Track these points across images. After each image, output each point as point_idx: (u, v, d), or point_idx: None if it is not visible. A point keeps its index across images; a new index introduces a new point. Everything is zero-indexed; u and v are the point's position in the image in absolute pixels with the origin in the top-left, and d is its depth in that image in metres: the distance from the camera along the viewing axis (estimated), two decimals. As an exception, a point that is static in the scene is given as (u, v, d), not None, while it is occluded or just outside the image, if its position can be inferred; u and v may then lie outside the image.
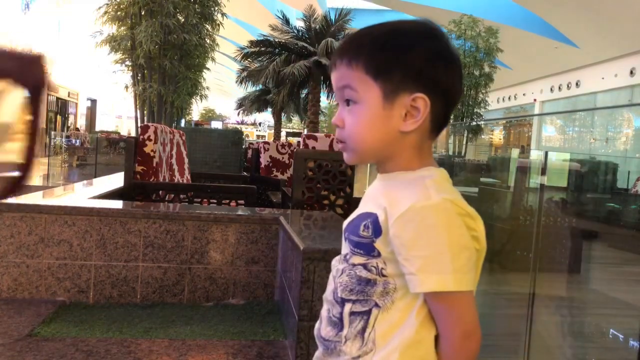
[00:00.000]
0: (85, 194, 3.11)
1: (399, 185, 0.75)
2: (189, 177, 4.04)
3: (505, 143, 21.55)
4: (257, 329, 2.11)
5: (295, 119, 26.41)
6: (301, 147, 4.15)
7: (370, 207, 0.77)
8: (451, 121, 16.17)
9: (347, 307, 0.77)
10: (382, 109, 0.73)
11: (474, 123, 15.94)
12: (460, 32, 15.53)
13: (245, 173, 6.73)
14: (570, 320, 3.59)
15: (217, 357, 1.85)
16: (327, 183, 2.90)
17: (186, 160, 4.06)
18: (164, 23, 10.92)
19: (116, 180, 3.69)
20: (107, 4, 11.69)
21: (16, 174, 0.34)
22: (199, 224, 2.46)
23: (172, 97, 11.67)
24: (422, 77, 0.73)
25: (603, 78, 15.77)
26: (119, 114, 29.31)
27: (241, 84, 17.86)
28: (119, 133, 20.40)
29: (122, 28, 11.84)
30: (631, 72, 14.69)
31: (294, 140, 17.50)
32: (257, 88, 20.29)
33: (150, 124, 3.79)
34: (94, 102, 25.64)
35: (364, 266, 0.75)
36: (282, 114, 21.48)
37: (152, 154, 3.25)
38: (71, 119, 22.66)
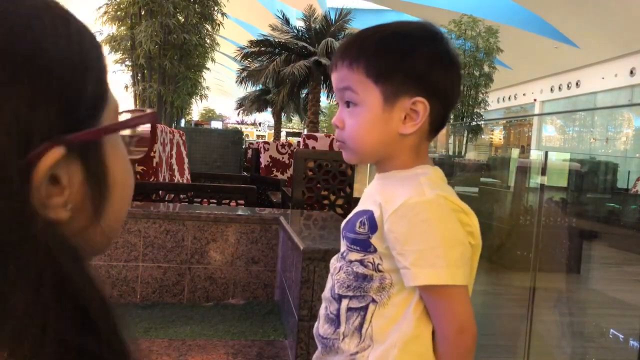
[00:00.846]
0: (85, 194, 3.10)
1: (394, 182, 0.76)
2: (189, 177, 4.04)
3: (505, 143, 21.55)
4: (257, 329, 2.11)
5: (295, 119, 26.42)
6: (301, 147, 4.15)
7: (366, 205, 0.78)
8: (451, 121, 16.20)
9: (344, 303, 0.77)
10: (382, 111, 0.74)
11: (474, 123, 15.94)
12: (460, 32, 15.53)
13: (245, 173, 6.73)
14: (570, 320, 3.59)
15: (217, 357, 1.85)
16: (327, 183, 2.90)
17: (186, 160, 4.06)
18: (164, 23, 10.92)
19: (116, 180, 3.68)
20: (107, 4, 11.68)
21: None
22: (199, 224, 2.46)
23: (172, 97, 11.67)
24: (422, 82, 0.74)
25: (603, 78, 15.77)
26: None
27: (241, 84, 17.86)
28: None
29: (122, 28, 11.83)
30: (631, 72, 14.69)
31: (294, 140, 17.52)
32: (257, 88, 20.29)
33: (150, 124, 3.78)
34: (94, 102, 25.62)
35: (361, 262, 0.76)
36: (282, 114, 21.48)
37: (152, 154, 3.25)
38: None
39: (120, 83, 12.80)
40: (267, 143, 5.74)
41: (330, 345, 0.79)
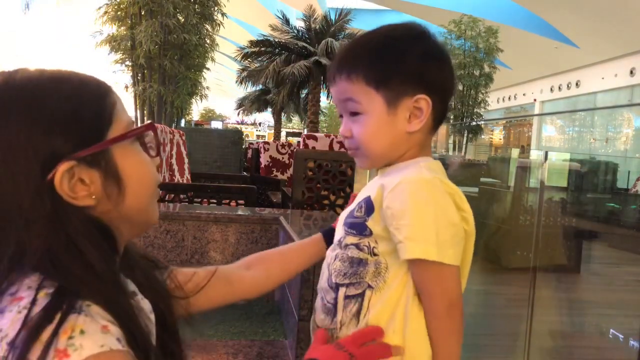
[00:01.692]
0: (85, 194, 3.10)
1: (398, 170, 0.79)
2: (189, 177, 4.04)
3: (505, 143, 21.56)
4: (257, 329, 2.11)
5: (295, 119, 26.40)
6: (301, 147, 4.15)
7: (365, 193, 0.81)
8: (451, 121, 16.18)
9: (341, 291, 0.78)
10: (387, 115, 0.76)
11: (474, 123, 15.94)
12: (460, 32, 15.52)
13: (245, 173, 6.73)
14: (570, 320, 3.59)
15: (217, 357, 1.85)
16: (327, 183, 2.90)
17: (186, 160, 4.06)
18: (164, 23, 10.90)
19: (116, 180, 3.68)
20: (107, 4, 11.67)
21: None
22: (199, 224, 2.46)
23: (172, 97, 11.65)
24: (420, 80, 0.76)
25: (603, 78, 15.76)
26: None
27: (241, 84, 17.85)
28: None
29: (122, 28, 11.81)
30: (631, 72, 14.69)
31: (294, 140, 17.51)
32: (257, 88, 20.28)
33: (150, 124, 3.78)
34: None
35: (357, 246, 0.78)
36: (282, 114, 21.47)
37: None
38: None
39: (120, 83, 12.79)
40: (267, 143, 5.74)
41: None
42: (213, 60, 13.65)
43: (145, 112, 11.81)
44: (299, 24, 16.96)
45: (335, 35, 15.86)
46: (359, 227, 0.78)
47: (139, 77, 11.84)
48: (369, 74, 0.75)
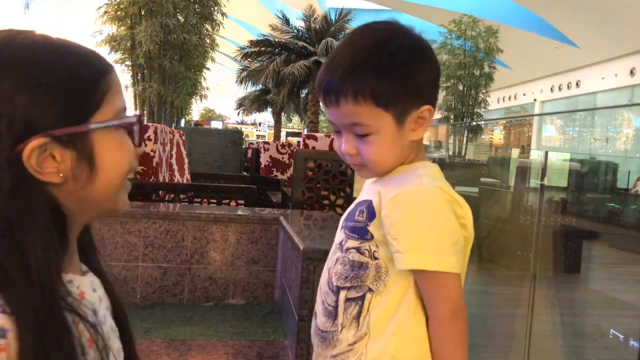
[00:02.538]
0: (85, 194, 3.10)
1: (397, 177, 0.79)
2: (189, 177, 4.04)
3: (506, 143, 21.56)
4: (257, 329, 2.11)
5: (295, 119, 26.40)
6: (301, 147, 4.15)
7: (366, 196, 0.81)
8: (451, 121, 16.17)
9: (342, 294, 0.79)
10: (396, 131, 0.77)
11: (474, 123, 15.93)
12: (460, 32, 15.52)
13: (245, 173, 6.73)
14: (570, 320, 3.59)
15: (217, 357, 1.85)
16: (327, 183, 2.90)
17: (186, 160, 4.06)
18: (164, 23, 10.91)
19: (116, 180, 3.68)
20: (107, 4, 11.68)
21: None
22: (199, 224, 2.46)
23: (172, 97, 11.66)
24: (423, 92, 0.77)
25: (603, 78, 15.76)
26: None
27: (241, 84, 17.85)
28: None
29: (122, 28, 11.82)
30: (631, 72, 14.69)
31: (294, 140, 17.51)
32: (257, 88, 20.28)
33: (150, 124, 3.79)
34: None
35: (357, 249, 0.78)
36: (282, 114, 21.48)
37: (152, 154, 3.25)
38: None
39: (121, 83, 12.80)
40: (267, 143, 5.74)
41: (329, 338, 0.80)
42: (213, 60, 13.66)
43: (145, 112, 11.81)
44: (299, 24, 16.97)
45: (335, 35, 15.86)
46: (360, 231, 0.78)
47: (138, 77, 11.84)
48: (378, 95, 0.74)
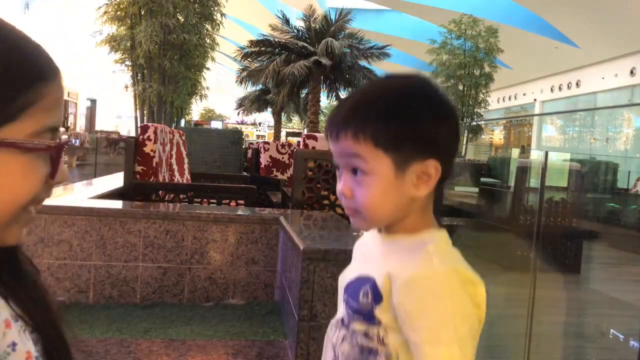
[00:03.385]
0: (84, 194, 3.10)
1: (401, 250, 0.74)
2: (188, 177, 4.04)
3: (506, 143, 21.57)
4: (257, 329, 2.11)
5: (295, 119, 26.41)
6: (301, 147, 4.14)
7: (368, 270, 0.76)
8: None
9: None
10: (394, 178, 0.72)
11: (474, 123, 15.94)
12: (460, 32, 15.53)
13: (245, 173, 6.73)
14: (570, 320, 3.59)
15: (217, 357, 1.84)
16: (327, 183, 2.90)
17: (186, 160, 4.06)
18: (164, 23, 10.91)
19: (116, 180, 3.69)
20: (107, 4, 11.68)
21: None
22: (199, 224, 2.46)
23: (172, 97, 11.66)
24: (430, 143, 0.73)
25: (603, 78, 15.77)
26: (119, 114, 29.34)
27: (241, 84, 17.86)
28: (118, 133, 20.42)
29: (122, 28, 11.82)
30: (631, 72, 14.69)
31: (294, 140, 17.51)
32: (257, 88, 20.29)
33: (150, 124, 3.79)
34: (93, 102, 25.66)
35: (365, 334, 0.75)
36: (282, 114, 21.48)
37: (151, 153, 3.24)
38: (71, 119, 22.67)
39: (120, 83, 12.79)
40: (267, 143, 5.74)
41: None
42: (213, 60, 13.66)
43: (145, 112, 11.81)
44: (299, 24, 16.96)
45: (335, 35, 15.86)
46: (366, 315, 0.74)
47: (138, 77, 11.85)
48: (379, 136, 0.71)
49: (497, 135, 22.20)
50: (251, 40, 16.67)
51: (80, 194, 3.18)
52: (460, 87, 16.01)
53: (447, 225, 4.67)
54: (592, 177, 6.50)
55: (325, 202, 2.90)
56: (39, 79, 0.49)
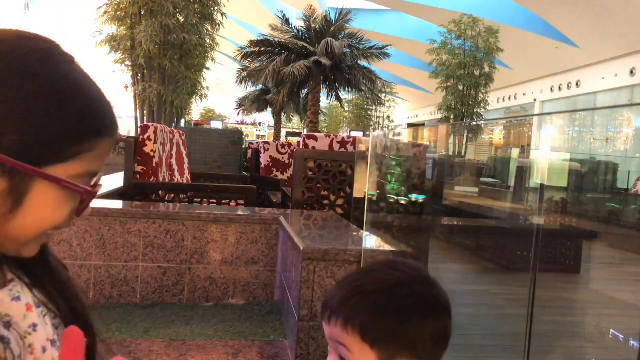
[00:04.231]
0: (85, 194, 3.10)
1: None
2: (189, 177, 4.04)
3: (506, 143, 21.56)
4: (257, 329, 2.11)
5: (295, 119, 26.41)
6: (301, 147, 4.15)
7: None
8: (451, 121, 16.16)
9: None
10: None
11: (474, 123, 15.94)
12: (461, 32, 15.53)
13: (245, 173, 6.73)
14: (570, 320, 3.59)
15: (217, 357, 1.84)
16: (327, 183, 2.90)
17: (186, 160, 4.06)
18: (164, 23, 10.91)
19: (116, 180, 3.69)
20: (107, 4, 11.67)
21: None
22: (199, 224, 2.46)
23: (172, 97, 11.66)
24: (417, 344, 0.75)
25: (603, 78, 15.77)
26: (119, 114, 29.33)
27: (241, 84, 17.86)
28: (118, 133, 20.39)
29: (122, 28, 11.82)
30: (631, 72, 14.69)
31: (294, 140, 17.50)
32: (257, 88, 20.29)
33: (150, 124, 3.79)
34: (94, 102, 25.65)
35: None
36: (282, 114, 21.47)
37: (152, 154, 3.24)
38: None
39: (120, 83, 12.79)
40: (267, 143, 5.73)
41: None
42: (213, 60, 13.66)
43: (145, 112, 11.82)
44: (299, 24, 16.97)
45: (335, 35, 15.85)
46: None
47: (138, 77, 11.84)
48: (366, 331, 0.73)
49: (497, 135, 22.20)
50: (251, 40, 16.67)
51: (80, 194, 3.18)
52: (460, 87, 16.01)
53: (447, 225, 4.68)
54: (592, 177, 6.50)
55: (325, 202, 2.90)
56: (100, 134, 0.55)
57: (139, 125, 10.87)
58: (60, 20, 17.95)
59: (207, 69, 13.43)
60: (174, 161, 3.74)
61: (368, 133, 25.98)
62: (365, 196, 2.65)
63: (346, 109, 29.21)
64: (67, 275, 0.66)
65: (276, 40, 16.22)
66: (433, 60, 16.31)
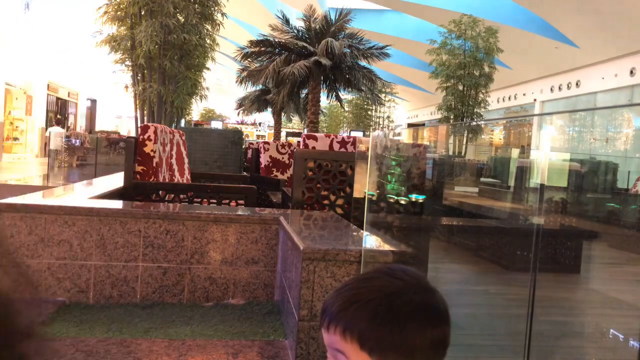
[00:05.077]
0: (85, 194, 3.10)
1: None
2: (189, 177, 4.04)
3: (506, 143, 21.56)
4: (257, 329, 2.11)
5: (295, 119, 26.40)
6: (301, 147, 4.15)
7: None
8: (451, 121, 16.17)
9: None
10: None
11: (474, 123, 15.93)
12: (460, 32, 15.53)
13: (245, 173, 6.73)
14: (570, 320, 3.59)
15: (217, 357, 1.84)
16: (327, 183, 2.90)
17: (186, 160, 4.06)
18: (164, 23, 10.90)
19: (116, 180, 3.70)
20: (107, 4, 11.67)
21: None
22: (199, 224, 2.46)
23: (172, 97, 11.65)
24: (414, 357, 0.75)
25: (603, 78, 15.77)
26: (119, 114, 29.34)
27: (241, 84, 17.85)
28: (118, 133, 20.42)
29: (122, 28, 11.82)
30: (631, 72, 14.69)
31: (294, 140, 17.50)
32: (257, 88, 20.28)
33: (150, 124, 3.79)
34: (94, 102, 25.66)
35: None
36: (282, 114, 21.47)
37: (152, 154, 3.25)
38: (71, 119, 22.67)
39: (120, 83, 12.79)
40: (267, 143, 5.73)
41: None
42: (213, 60, 13.66)
43: (145, 112, 11.81)
44: (299, 24, 16.95)
45: (335, 35, 15.85)
46: None
47: (139, 77, 11.84)
48: (365, 339, 0.74)
49: (497, 135, 22.19)
50: (251, 40, 16.66)
51: (80, 194, 3.18)
52: (460, 87, 16.01)
53: (447, 225, 4.68)
54: (591, 177, 6.50)
55: (325, 202, 2.90)
56: None
57: (139, 125, 10.87)
58: (60, 20, 17.94)
59: (207, 69, 13.43)
60: (174, 161, 3.74)
61: (368, 133, 25.98)
62: (365, 196, 2.65)
63: (346, 109, 29.22)
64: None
65: (276, 40, 16.21)
66: (433, 60, 16.31)
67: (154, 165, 3.26)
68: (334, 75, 16.13)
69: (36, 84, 17.88)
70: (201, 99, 13.53)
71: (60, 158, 11.49)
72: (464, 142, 15.97)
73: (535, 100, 19.86)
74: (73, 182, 3.72)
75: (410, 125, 31.15)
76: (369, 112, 30.34)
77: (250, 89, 19.69)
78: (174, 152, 3.74)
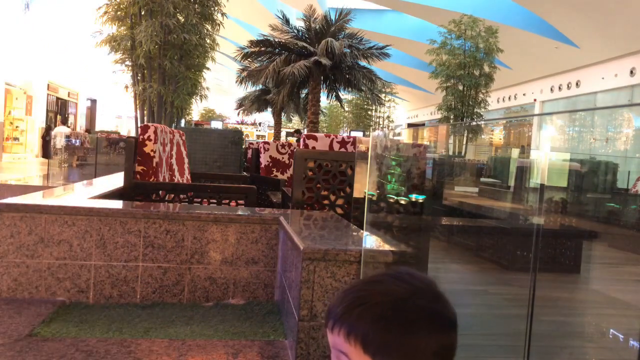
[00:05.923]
0: (85, 194, 3.11)
1: None
2: (189, 177, 4.04)
3: (505, 143, 21.56)
4: (257, 329, 2.11)
5: (295, 119, 26.40)
6: (301, 147, 4.15)
7: None
8: (451, 121, 16.17)
9: None
10: None
11: (474, 123, 15.94)
12: (460, 32, 15.53)
13: (245, 173, 6.73)
14: (570, 320, 3.59)
15: (217, 357, 1.84)
16: (327, 183, 2.90)
17: (186, 160, 4.06)
18: (164, 23, 10.91)
19: (116, 180, 3.70)
20: (107, 4, 11.67)
21: None
22: (199, 224, 2.46)
23: (172, 97, 11.65)
24: (419, 357, 0.74)
25: (603, 78, 15.77)
26: (119, 114, 29.34)
27: (241, 84, 17.85)
28: (119, 133, 20.42)
29: (122, 28, 11.82)
30: (631, 72, 14.69)
31: (294, 140, 17.49)
32: (257, 88, 20.28)
33: (150, 124, 3.79)
34: (94, 102, 25.66)
35: None
36: (282, 114, 21.47)
37: (152, 154, 3.25)
38: (71, 119, 22.66)
39: (120, 83, 12.79)
40: (267, 143, 5.73)
41: None
42: (213, 60, 13.65)
43: (145, 112, 11.81)
44: (299, 24, 16.96)
45: (335, 35, 15.84)
46: None
47: (139, 77, 11.84)
48: (369, 342, 0.73)
49: (497, 135, 22.19)
50: (251, 40, 16.66)
51: (80, 194, 3.18)
52: (460, 87, 16.02)
53: (447, 225, 4.68)
54: (591, 177, 6.50)
55: (325, 202, 2.90)
56: None
57: (139, 125, 10.87)
58: (60, 20, 17.93)
59: (207, 69, 13.43)
60: (174, 161, 3.74)
61: (368, 133, 25.98)
62: (365, 196, 2.65)
63: (346, 109, 29.22)
64: None
65: (276, 40, 16.21)
66: (433, 60, 16.31)
67: (154, 165, 3.26)
68: (334, 75, 16.13)
69: (36, 84, 17.89)
70: (201, 99, 13.53)
71: (61, 158, 11.50)
72: (464, 142, 15.97)
73: (535, 100, 19.86)
74: (73, 182, 3.73)
75: (410, 125, 31.15)
76: (369, 112, 30.34)
77: (250, 89, 19.70)
78: (174, 152, 3.74)
